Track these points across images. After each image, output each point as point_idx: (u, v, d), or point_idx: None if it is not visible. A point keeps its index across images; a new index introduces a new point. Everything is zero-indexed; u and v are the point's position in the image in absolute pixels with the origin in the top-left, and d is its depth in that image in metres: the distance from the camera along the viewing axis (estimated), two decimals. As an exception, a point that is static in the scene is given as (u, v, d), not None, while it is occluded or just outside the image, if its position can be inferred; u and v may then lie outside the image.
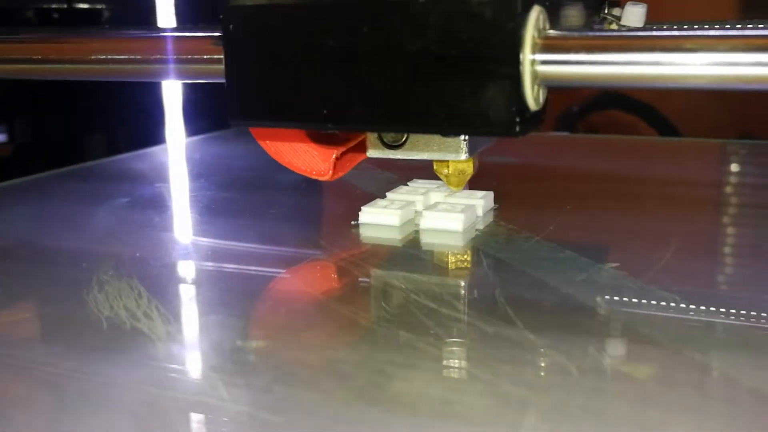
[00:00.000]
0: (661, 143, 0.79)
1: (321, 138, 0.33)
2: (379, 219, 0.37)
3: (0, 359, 0.25)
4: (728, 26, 0.25)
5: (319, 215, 0.46)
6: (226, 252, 0.36)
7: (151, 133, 0.73)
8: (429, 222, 0.37)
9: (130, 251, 0.36)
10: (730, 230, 0.42)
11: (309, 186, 0.47)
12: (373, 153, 0.32)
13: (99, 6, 0.70)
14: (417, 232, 0.36)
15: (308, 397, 0.22)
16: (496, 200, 0.40)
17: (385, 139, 0.32)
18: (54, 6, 0.68)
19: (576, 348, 0.25)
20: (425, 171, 0.41)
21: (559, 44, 0.26)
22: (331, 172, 0.34)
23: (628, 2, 0.34)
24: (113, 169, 0.59)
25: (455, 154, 0.31)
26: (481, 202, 0.39)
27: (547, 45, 0.26)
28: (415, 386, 0.23)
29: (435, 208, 0.37)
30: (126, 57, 0.33)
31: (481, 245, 0.35)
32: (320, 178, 0.34)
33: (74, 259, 0.35)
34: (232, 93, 0.28)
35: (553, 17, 0.30)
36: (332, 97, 0.27)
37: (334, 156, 0.34)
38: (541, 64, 0.26)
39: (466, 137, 0.31)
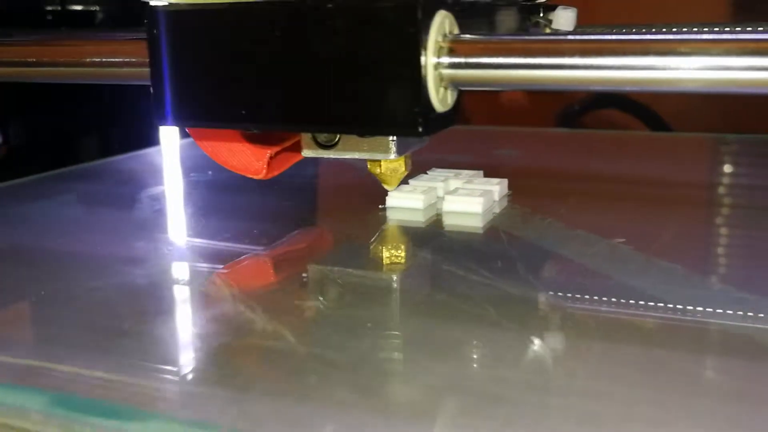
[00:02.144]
0: (656, 138, 0.80)
1: (256, 138, 0.34)
2: (405, 203, 0.40)
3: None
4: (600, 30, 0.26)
5: (347, 202, 0.48)
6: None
7: (145, 134, 0.73)
8: (451, 205, 0.39)
9: (125, 254, 0.36)
10: (727, 213, 0.44)
11: (329, 179, 0.50)
12: (307, 153, 0.33)
13: (92, 8, 0.71)
14: (439, 214, 0.39)
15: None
16: (508, 187, 0.43)
17: (318, 139, 0.33)
18: (48, 8, 0.69)
19: (592, 307, 0.28)
20: (442, 162, 0.45)
21: (464, 48, 0.27)
22: (265, 170, 0.35)
23: (558, 6, 0.35)
24: (107, 171, 0.60)
25: (384, 153, 0.32)
26: (497, 187, 0.42)
27: (452, 48, 0.27)
28: (457, 332, 0.27)
29: (456, 193, 0.40)
30: (119, 60, 0.33)
31: (500, 225, 0.38)
32: (255, 177, 0.35)
33: (68, 261, 0.36)
34: (156, 96, 0.29)
35: (480, 21, 0.31)
36: (249, 98, 0.28)
37: (268, 155, 0.35)
38: (446, 68, 0.26)
39: (395, 137, 0.32)
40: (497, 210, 0.40)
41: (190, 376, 0.24)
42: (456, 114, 0.28)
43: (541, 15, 0.36)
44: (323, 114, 0.28)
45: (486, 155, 0.59)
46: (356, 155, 0.33)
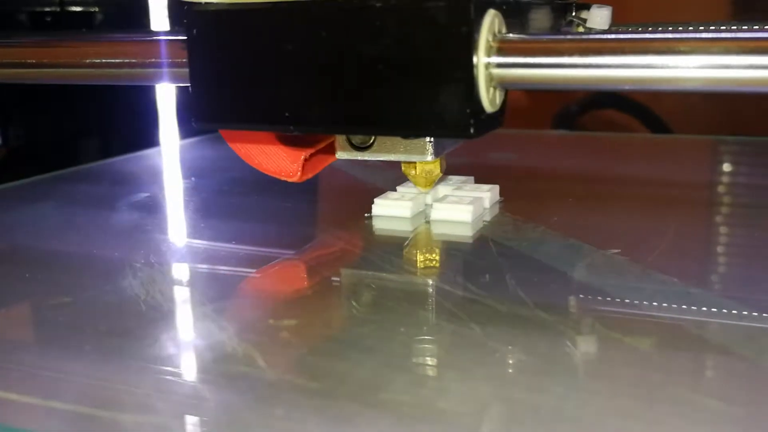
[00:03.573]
0: (656, 140, 0.80)
1: (290, 140, 0.34)
2: (391, 211, 0.39)
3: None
4: (669, 28, 0.26)
5: (333, 209, 0.47)
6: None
7: (145, 135, 0.73)
8: (439, 213, 0.38)
9: (125, 255, 0.35)
10: (724, 220, 0.43)
11: (315, 185, 0.48)
12: (341, 155, 0.33)
13: (91, 9, 0.71)
14: (427, 223, 0.38)
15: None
16: (500, 194, 0.42)
17: (353, 141, 0.32)
18: (47, 9, 0.68)
19: (583, 324, 0.27)
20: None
21: (514, 47, 0.26)
22: (299, 173, 0.34)
23: (593, 5, 0.34)
24: (107, 172, 0.59)
25: (421, 155, 0.31)
26: (488, 194, 0.40)
27: (502, 48, 0.26)
28: (441, 351, 0.25)
29: (444, 200, 0.39)
30: (119, 61, 0.33)
31: (490, 234, 0.37)
32: (289, 180, 0.35)
33: (68, 263, 0.36)
34: (195, 96, 0.29)
35: (517, 21, 0.30)
36: (293, 100, 0.28)
37: (302, 158, 0.34)
38: (496, 67, 0.26)
39: (431, 139, 0.32)
40: (488, 218, 0.39)
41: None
42: (502, 115, 0.28)
43: (574, 14, 0.36)
44: (370, 116, 0.27)
45: (479, 158, 0.59)
46: (392, 157, 0.32)
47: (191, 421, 0.21)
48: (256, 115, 0.28)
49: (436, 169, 0.35)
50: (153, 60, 0.32)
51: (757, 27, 0.25)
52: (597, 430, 0.20)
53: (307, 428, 0.20)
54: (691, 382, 0.23)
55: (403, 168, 0.36)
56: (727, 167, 0.60)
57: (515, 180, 0.49)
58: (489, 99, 0.26)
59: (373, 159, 0.32)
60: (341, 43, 0.27)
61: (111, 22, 0.71)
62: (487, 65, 0.26)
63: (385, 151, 0.32)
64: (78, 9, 0.70)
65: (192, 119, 0.29)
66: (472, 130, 0.26)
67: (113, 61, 0.33)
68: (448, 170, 0.43)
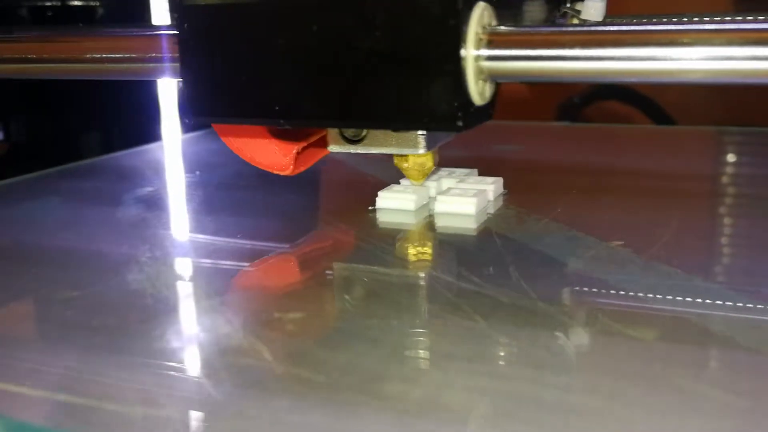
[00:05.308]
0: (659, 131, 0.79)
1: (282, 134, 0.34)
2: (395, 204, 0.39)
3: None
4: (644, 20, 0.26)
5: (337, 202, 0.47)
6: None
7: (147, 130, 0.73)
8: (443, 206, 0.38)
9: (128, 250, 0.36)
10: (728, 211, 0.43)
11: (319, 178, 0.49)
12: (334, 148, 0.33)
13: (92, 3, 0.71)
14: (431, 215, 0.38)
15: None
16: (504, 186, 0.42)
17: (345, 134, 0.32)
18: (48, 4, 0.68)
19: (586, 315, 0.27)
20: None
21: (503, 40, 0.26)
22: (292, 167, 0.34)
23: (587, -4, 0.34)
24: (109, 167, 0.59)
25: (413, 148, 0.31)
26: (492, 187, 0.40)
27: (492, 41, 0.26)
28: (445, 343, 0.26)
29: (448, 193, 0.39)
30: (120, 56, 0.33)
31: (494, 226, 0.37)
32: (281, 173, 0.35)
33: (70, 258, 0.36)
34: (187, 90, 0.29)
35: (509, 13, 0.30)
36: (283, 94, 0.28)
37: (294, 151, 0.34)
38: (486, 60, 0.26)
39: (424, 132, 0.31)
40: (491, 210, 0.39)
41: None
42: (492, 107, 0.28)
43: (569, 5, 0.35)
44: (359, 109, 0.27)
45: (483, 150, 0.58)
46: (384, 150, 0.32)
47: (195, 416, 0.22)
48: (247, 109, 0.29)
49: (428, 161, 0.35)
50: (154, 55, 0.32)
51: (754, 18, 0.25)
52: (601, 419, 0.20)
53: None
54: (694, 373, 0.23)
55: (395, 161, 0.36)
56: (730, 158, 0.60)
57: (519, 172, 0.49)
58: (478, 92, 0.26)
59: (365, 152, 0.32)
60: (331, 36, 0.27)
61: (112, 17, 0.71)
62: (477, 58, 0.26)
63: (377, 144, 0.32)
64: (79, 3, 0.70)
65: (183, 113, 0.29)
66: (460, 123, 0.26)
67: (114, 56, 0.33)
68: (452, 162, 0.44)
